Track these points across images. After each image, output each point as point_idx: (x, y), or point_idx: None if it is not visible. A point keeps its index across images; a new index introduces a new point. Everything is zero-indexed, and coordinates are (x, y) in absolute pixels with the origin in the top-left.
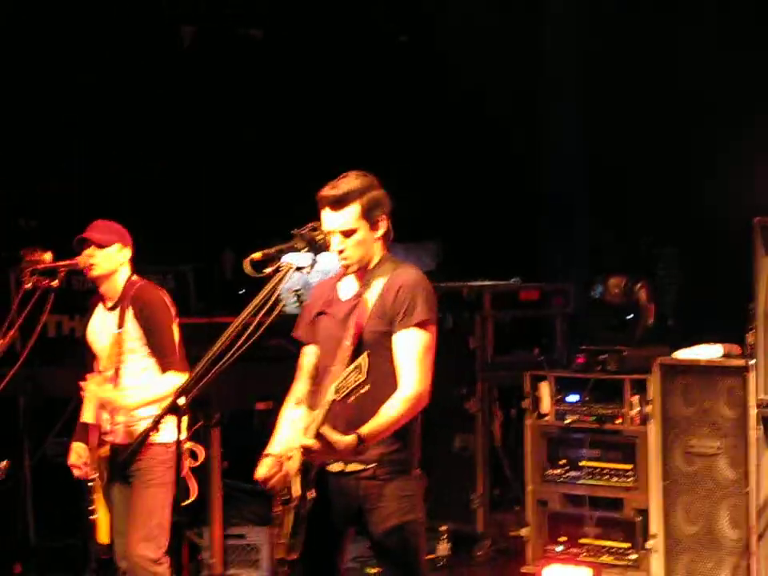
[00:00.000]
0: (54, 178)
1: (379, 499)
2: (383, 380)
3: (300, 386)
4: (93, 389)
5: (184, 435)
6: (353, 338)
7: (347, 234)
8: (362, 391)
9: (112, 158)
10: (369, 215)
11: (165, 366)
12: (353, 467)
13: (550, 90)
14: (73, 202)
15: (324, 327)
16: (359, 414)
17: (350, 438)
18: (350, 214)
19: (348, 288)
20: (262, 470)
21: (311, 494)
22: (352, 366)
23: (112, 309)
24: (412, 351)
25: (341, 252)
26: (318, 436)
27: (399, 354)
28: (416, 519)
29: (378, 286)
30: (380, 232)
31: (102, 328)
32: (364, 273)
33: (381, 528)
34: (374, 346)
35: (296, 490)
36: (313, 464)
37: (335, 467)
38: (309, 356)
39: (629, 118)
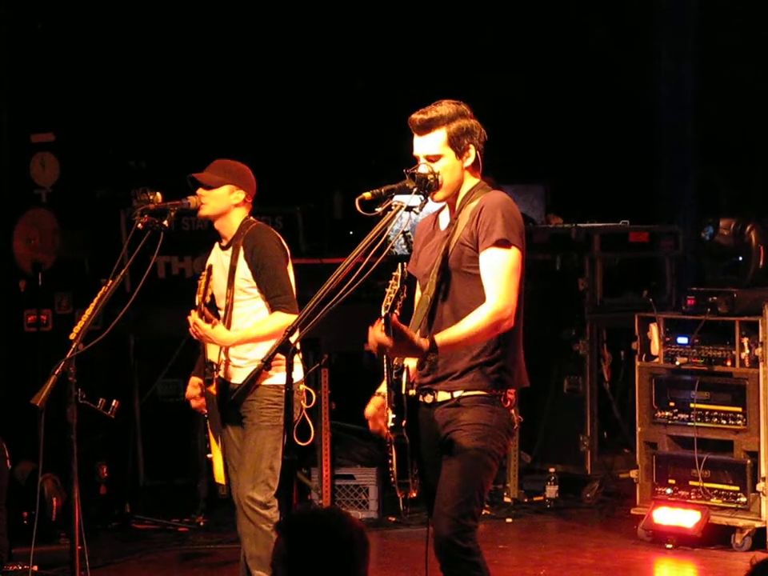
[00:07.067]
0: (163, 120)
1: (456, 424)
2: (472, 304)
3: None
4: (192, 322)
5: (301, 376)
6: (437, 266)
7: (432, 159)
8: (400, 301)
9: (223, 100)
10: (455, 143)
11: (274, 306)
12: (442, 397)
13: (664, 30)
14: (184, 142)
15: (422, 259)
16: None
17: (423, 340)
18: (436, 140)
19: (446, 219)
20: (370, 408)
21: (404, 421)
22: (392, 279)
23: (225, 248)
24: (494, 269)
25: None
26: (392, 330)
27: (483, 273)
28: (486, 448)
29: (467, 213)
30: (468, 161)
31: (216, 267)
32: (456, 202)
33: (448, 447)
34: (460, 271)
35: (389, 422)
36: (404, 395)
37: (426, 399)
38: (418, 290)
39: (743, 65)
